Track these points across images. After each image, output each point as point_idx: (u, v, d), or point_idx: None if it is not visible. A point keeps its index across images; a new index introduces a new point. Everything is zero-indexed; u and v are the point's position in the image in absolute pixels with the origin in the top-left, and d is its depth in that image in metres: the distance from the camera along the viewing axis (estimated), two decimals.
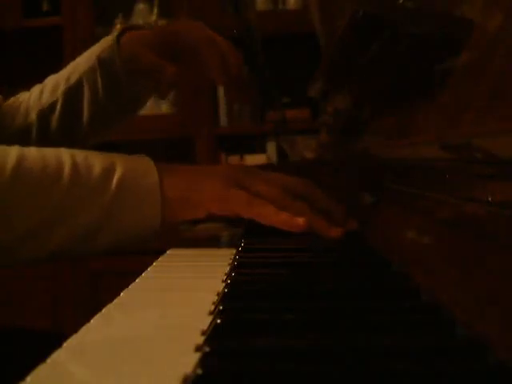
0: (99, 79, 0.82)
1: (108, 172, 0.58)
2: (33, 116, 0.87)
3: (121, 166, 0.59)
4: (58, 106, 0.85)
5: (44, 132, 0.87)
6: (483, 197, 0.35)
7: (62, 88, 0.85)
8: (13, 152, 0.56)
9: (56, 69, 0.92)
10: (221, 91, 2.37)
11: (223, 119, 2.38)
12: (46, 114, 0.86)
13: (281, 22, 2.27)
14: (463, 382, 0.25)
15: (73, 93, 0.85)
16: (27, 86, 0.93)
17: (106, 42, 0.83)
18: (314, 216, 0.59)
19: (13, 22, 2.38)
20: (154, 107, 2.45)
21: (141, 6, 2.44)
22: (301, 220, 0.57)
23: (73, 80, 0.84)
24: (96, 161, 0.59)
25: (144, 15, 2.44)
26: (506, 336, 0.28)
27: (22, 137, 0.86)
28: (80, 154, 0.59)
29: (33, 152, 0.58)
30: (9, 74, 2.50)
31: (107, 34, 0.88)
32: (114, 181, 0.58)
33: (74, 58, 0.88)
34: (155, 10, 2.45)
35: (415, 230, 0.48)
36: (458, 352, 0.29)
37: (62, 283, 2.29)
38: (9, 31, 2.40)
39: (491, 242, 0.33)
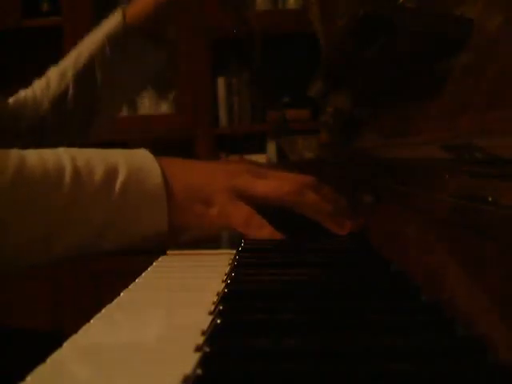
0: (109, 55, 0.85)
1: (111, 176, 0.57)
2: (45, 105, 0.88)
3: (123, 168, 0.58)
4: (71, 90, 0.87)
5: (61, 118, 0.88)
6: (483, 197, 0.35)
7: (70, 73, 0.87)
8: (12, 158, 0.55)
9: None
10: (221, 91, 2.38)
11: (223, 119, 2.38)
12: (60, 100, 0.88)
13: (281, 22, 2.27)
14: (463, 382, 0.25)
15: (84, 74, 0.87)
16: (27, 86, 0.93)
17: (112, 19, 0.87)
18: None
19: (13, 22, 2.38)
20: (154, 107, 2.45)
21: None
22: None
23: (80, 64, 0.86)
24: (98, 164, 0.57)
25: None
26: (506, 336, 0.28)
27: (33, 130, 0.86)
28: (81, 157, 0.57)
29: (32, 157, 0.56)
30: (9, 74, 2.50)
31: None
32: (117, 185, 0.57)
33: None
34: None
35: (415, 230, 0.48)
36: (458, 352, 0.29)
37: (63, 283, 2.29)
38: (9, 31, 2.40)
39: (491, 242, 0.33)
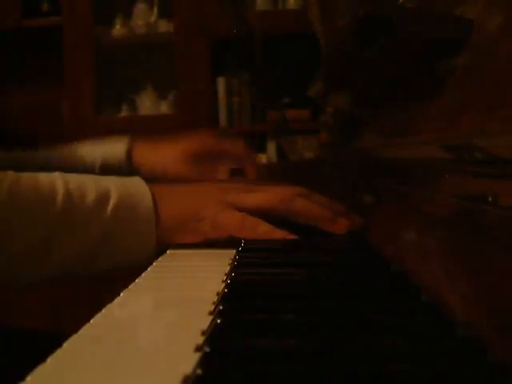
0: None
1: (102, 200, 0.58)
2: None
3: (115, 192, 0.59)
4: None
5: None
6: (483, 197, 0.35)
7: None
8: (7, 178, 0.55)
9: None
10: (221, 91, 2.38)
11: (223, 119, 2.38)
12: None
13: (281, 22, 2.27)
14: (463, 382, 0.25)
15: None
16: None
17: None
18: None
19: (13, 22, 2.38)
20: (154, 107, 2.45)
21: (141, 6, 2.44)
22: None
23: None
24: (90, 188, 0.58)
25: (144, 15, 2.44)
26: (506, 336, 0.28)
27: None
28: (74, 181, 0.58)
29: (27, 178, 0.57)
30: (8, 74, 2.50)
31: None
32: (109, 209, 0.58)
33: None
34: (155, 10, 2.45)
35: (415, 230, 0.48)
36: (458, 352, 0.29)
37: (62, 283, 2.29)
38: (9, 31, 2.40)
39: (491, 242, 0.33)
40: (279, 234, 0.60)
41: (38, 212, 0.55)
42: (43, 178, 0.58)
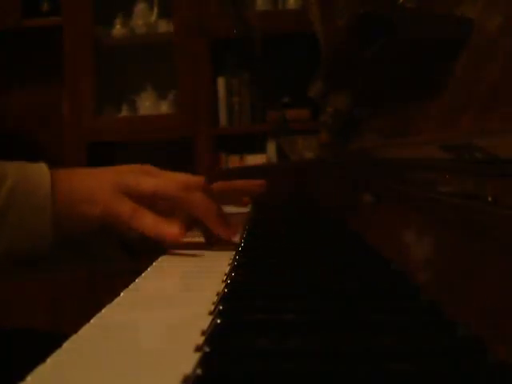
0: None
1: None
2: None
3: (12, 176, 0.59)
4: None
5: None
6: (483, 197, 0.35)
7: None
8: None
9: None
10: (221, 91, 2.38)
11: (223, 119, 2.38)
12: None
13: (281, 22, 2.27)
14: (463, 382, 0.25)
15: None
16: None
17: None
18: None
19: (13, 22, 2.38)
20: (154, 107, 2.45)
21: (141, 6, 2.45)
22: (176, 231, 0.58)
23: None
24: None
25: (144, 15, 2.44)
26: (505, 336, 0.28)
27: None
28: None
29: None
30: (8, 74, 2.50)
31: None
32: (3, 193, 0.57)
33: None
34: (155, 10, 2.45)
35: (415, 230, 0.48)
36: (458, 352, 0.29)
37: (62, 283, 2.29)
38: (9, 31, 2.40)
39: (491, 242, 0.33)
40: (165, 228, 0.59)
41: None
42: None
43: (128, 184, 0.61)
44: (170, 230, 0.58)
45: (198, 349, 0.29)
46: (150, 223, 0.59)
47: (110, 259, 0.71)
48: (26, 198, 0.58)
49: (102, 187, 0.61)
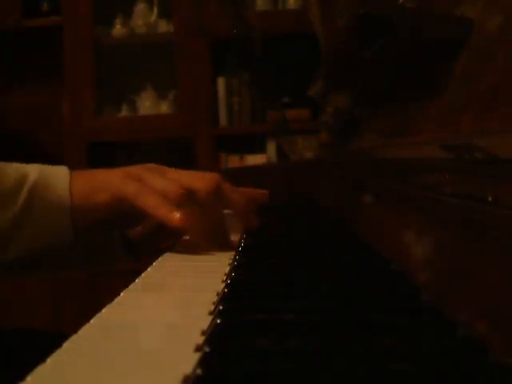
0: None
1: (20, 181, 0.61)
2: None
3: (33, 175, 0.62)
4: None
5: None
6: (483, 197, 0.35)
7: None
8: None
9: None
10: (221, 91, 2.38)
11: (223, 119, 2.38)
12: None
13: (281, 22, 2.27)
14: (463, 382, 0.25)
15: None
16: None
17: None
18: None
19: (12, 22, 2.38)
20: (154, 107, 2.45)
21: (141, 6, 2.44)
22: (177, 216, 0.58)
23: None
24: (9, 171, 0.62)
25: (144, 15, 2.44)
26: (506, 336, 0.28)
27: None
28: None
29: None
30: (9, 74, 2.50)
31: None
32: (25, 191, 0.61)
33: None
34: (155, 10, 2.45)
35: (415, 230, 0.48)
36: (458, 352, 0.29)
37: (62, 283, 2.29)
38: (9, 31, 2.40)
39: (491, 242, 0.33)
40: (167, 210, 0.59)
41: None
42: None
43: (138, 177, 0.63)
44: (171, 213, 0.59)
45: (198, 349, 0.29)
46: (153, 203, 0.60)
47: (112, 258, 0.72)
48: (47, 194, 0.62)
49: (111, 177, 0.64)
